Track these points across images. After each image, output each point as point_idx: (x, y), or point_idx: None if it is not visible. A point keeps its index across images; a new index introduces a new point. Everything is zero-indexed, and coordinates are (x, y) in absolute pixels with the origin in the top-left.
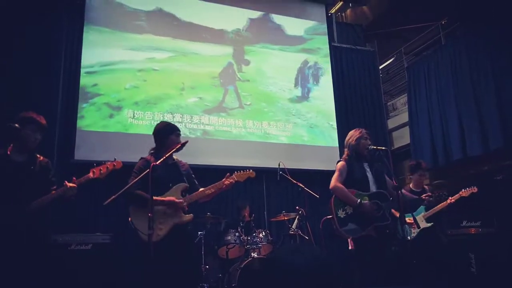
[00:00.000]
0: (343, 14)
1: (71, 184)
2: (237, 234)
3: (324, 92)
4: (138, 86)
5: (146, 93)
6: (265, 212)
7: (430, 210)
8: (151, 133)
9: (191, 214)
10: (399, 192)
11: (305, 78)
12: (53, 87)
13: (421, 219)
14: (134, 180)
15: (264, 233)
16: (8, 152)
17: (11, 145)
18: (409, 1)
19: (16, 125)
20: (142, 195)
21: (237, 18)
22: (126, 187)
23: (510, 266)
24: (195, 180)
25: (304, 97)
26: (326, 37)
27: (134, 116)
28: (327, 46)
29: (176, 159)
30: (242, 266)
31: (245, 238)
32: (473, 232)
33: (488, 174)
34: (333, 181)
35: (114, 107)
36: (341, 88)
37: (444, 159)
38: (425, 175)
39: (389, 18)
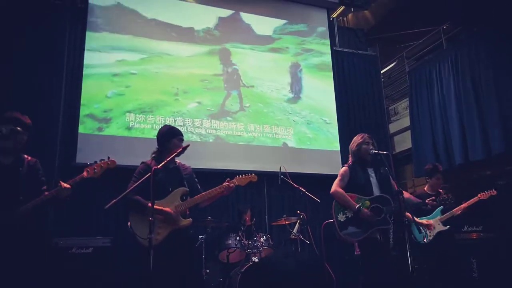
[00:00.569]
0: (345, 19)
1: (65, 185)
2: (238, 238)
3: (313, 91)
4: (123, 94)
5: (137, 101)
6: (266, 216)
7: (446, 214)
8: (153, 136)
9: (190, 219)
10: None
11: (294, 78)
12: (55, 89)
13: (437, 222)
14: (134, 185)
15: (265, 237)
16: None
17: None
18: (411, 5)
19: (3, 128)
20: (139, 201)
21: (206, 16)
22: (126, 191)
23: None
24: (197, 185)
25: (296, 97)
26: (295, 37)
27: (136, 119)
28: (329, 50)
29: (179, 162)
30: (242, 270)
31: (246, 242)
32: (475, 237)
33: (490, 179)
34: (334, 186)
35: (101, 119)
36: (342, 92)
37: (446, 164)
38: (441, 178)
39: (391, 22)
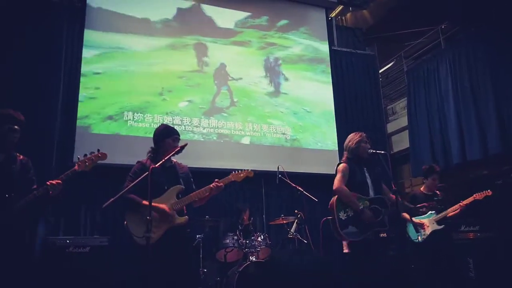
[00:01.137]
0: (343, 18)
1: (54, 182)
2: (235, 237)
3: (290, 84)
4: (95, 97)
5: (117, 104)
6: (263, 216)
7: (441, 214)
8: (150, 135)
9: (186, 217)
10: (398, 196)
11: (270, 71)
12: (53, 88)
13: (432, 221)
14: (132, 184)
15: (262, 237)
16: None
17: None
18: (409, 5)
19: None
20: (134, 199)
21: (163, 7)
22: (123, 191)
23: (509, 270)
24: (192, 184)
25: (276, 90)
26: (257, 31)
27: (133, 118)
28: (327, 49)
29: (175, 161)
30: (240, 269)
31: (244, 241)
32: (471, 237)
33: (487, 179)
34: (337, 183)
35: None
36: (340, 91)
37: (443, 163)
38: (437, 179)
39: (389, 22)
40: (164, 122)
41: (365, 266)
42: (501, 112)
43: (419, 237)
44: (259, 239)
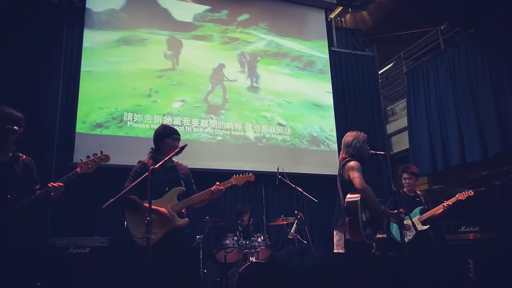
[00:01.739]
0: (343, 19)
1: (55, 184)
2: (235, 238)
3: (265, 79)
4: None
5: (103, 110)
6: (263, 216)
7: (425, 214)
8: (150, 136)
9: (186, 219)
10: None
11: (247, 66)
12: (52, 89)
13: (416, 221)
14: (132, 184)
15: (262, 237)
16: None
17: None
18: (409, 6)
19: None
20: (135, 200)
21: None
22: (124, 191)
23: (509, 271)
24: (193, 186)
25: (254, 86)
26: (217, 25)
27: (133, 119)
28: (327, 50)
29: (176, 162)
30: (240, 270)
31: (244, 242)
32: (471, 238)
33: (487, 180)
34: (360, 181)
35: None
36: (340, 92)
37: (443, 164)
38: (411, 178)
39: (389, 23)
40: (165, 123)
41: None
42: (501, 113)
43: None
44: (259, 240)
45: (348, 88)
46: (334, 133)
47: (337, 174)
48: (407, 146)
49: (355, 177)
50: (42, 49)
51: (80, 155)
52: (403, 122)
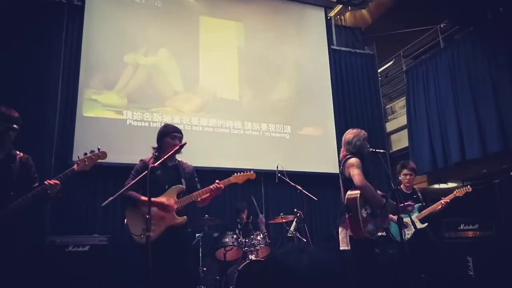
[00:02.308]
0: (342, 17)
1: (52, 182)
2: (234, 236)
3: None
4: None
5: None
6: (263, 215)
7: (424, 211)
8: (150, 134)
9: (185, 217)
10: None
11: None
12: (52, 88)
13: (415, 219)
14: (131, 183)
15: (262, 236)
16: None
17: None
18: (408, 4)
19: None
20: (133, 195)
21: None
22: (123, 189)
23: (508, 269)
24: (197, 184)
25: (254, 84)
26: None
27: (133, 117)
28: (326, 49)
29: (180, 161)
30: (239, 268)
31: (243, 240)
32: (471, 235)
33: (486, 177)
34: (360, 178)
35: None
36: (339, 91)
37: (442, 162)
38: (411, 174)
39: (388, 21)
40: (164, 121)
41: (370, 264)
42: (501, 110)
43: (399, 236)
44: (258, 238)
45: (348, 87)
46: (334, 131)
47: (337, 172)
48: (407, 144)
49: (355, 174)
50: (42, 48)
51: (79, 154)
52: (402, 120)
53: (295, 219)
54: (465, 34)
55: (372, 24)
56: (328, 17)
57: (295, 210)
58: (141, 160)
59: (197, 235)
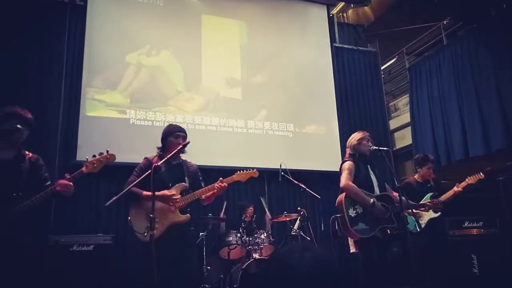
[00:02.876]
0: (345, 15)
1: (63, 182)
2: (238, 235)
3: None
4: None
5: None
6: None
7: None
8: (153, 134)
9: (188, 215)
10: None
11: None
12: (55, 88)
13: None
14: (135, 182)
15: (265, 234)
16: None
17: None
18: (411, 1)
19: None
20: (134, 191)
21: None
22: (127, 188)
23: None
24: (201, 183)
25: (257, 82)
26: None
27: (136, 116)
28: (329, 46)
29: (184, 160)
30: (243, 267)
31: (247, 239)
32: (475, 233)
33: (490, 175)
34: (345, 180)
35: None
36: (342, 88)
37: (446, 160)
38: (432, 168)
39: (391, 18)
40: (167, 120)
41: (375, 263)
42: (504, 107)
43: (416, 227)
44: (262, 236)
45: (351, 84)
46: (337, 129)
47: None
48: (410, 142)
49: (341, 177)
50: (45, 49)
51: (83, 153)
52: (406, 117)
53: (299, 218)
54: (468, 31)
55: (375, 21)
56: (331, 15)
57: (298, 208)
58: (145, 158)
59: (201, 233)
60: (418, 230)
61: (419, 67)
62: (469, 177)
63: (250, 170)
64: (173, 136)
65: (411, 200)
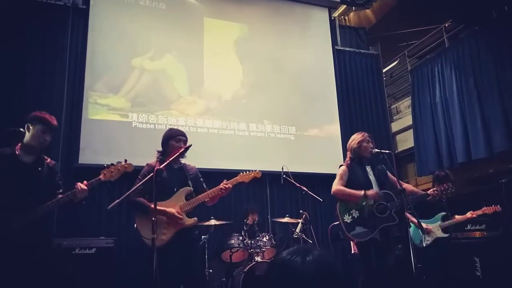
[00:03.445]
0: (346, 18)
1: (82, 186)
2: (240, 238)
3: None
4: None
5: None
6: (268, 216)
7: (448, 221)
8: (155, 137)
9: (195, 218)
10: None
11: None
12: (57, 91)
13: (437, 228)
14: (138, 184)
15: (267, 237)
16: (17, 152)
17: (19, 144)
18: (412, 4)
19: (21, 129)
20: (143, 202)
21: None
22: (129, 192)
23: None
24: (203, 184)
25: (258, 85)
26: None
27: (138, 119)
28: (331, 49)
29: (184, 163)
30: (245, 270)
31: (249, 242)
32: (478, 236)
33: (492, 177)
34: (334, 186)
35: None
36: (344, 91)
37: (448, 162)
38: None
39: (393, 21)
40: (169, 123)
41: (374, 265)
42: (506, 109)
43: (422, 243)
44: (264, 239)
45: (352, 87)
46: (338, 132)
47: None
48: (412, 145)
49: (334, 183)
50: (47, 52)
51: (85, 156)
52: (408, 120)
53: (301, 221)
54: (470, 33)
55: (376, 24)
56: (332, 18)
57: (300, 211)
58: (147, 164)
59: (203, 237)
60: (424, 245)
61: (421, 70)
62: (485, 207)
63: (253, 170)
64: (175, 140)
65: (422, 213)
